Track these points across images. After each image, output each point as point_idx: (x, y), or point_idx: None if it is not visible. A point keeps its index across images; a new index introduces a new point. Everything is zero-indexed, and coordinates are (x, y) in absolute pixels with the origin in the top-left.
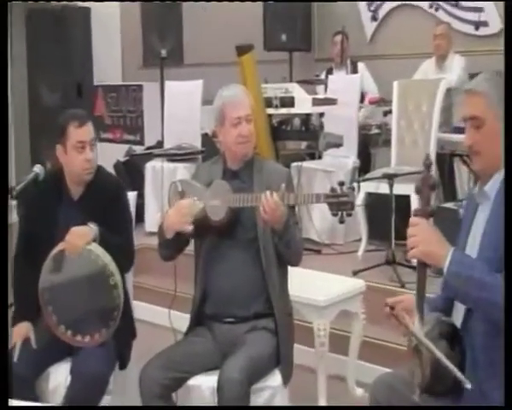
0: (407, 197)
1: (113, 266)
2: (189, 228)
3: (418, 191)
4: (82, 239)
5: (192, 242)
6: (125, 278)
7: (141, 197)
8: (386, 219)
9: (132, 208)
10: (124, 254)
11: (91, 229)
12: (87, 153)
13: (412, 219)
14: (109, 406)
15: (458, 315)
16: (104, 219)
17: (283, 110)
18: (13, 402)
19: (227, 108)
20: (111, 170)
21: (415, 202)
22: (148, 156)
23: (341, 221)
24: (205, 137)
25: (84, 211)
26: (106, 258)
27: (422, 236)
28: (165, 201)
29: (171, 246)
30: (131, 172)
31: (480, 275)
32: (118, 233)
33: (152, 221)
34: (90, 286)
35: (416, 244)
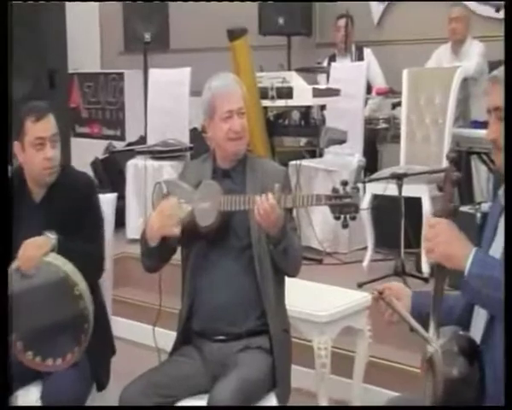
0: (418, 200)
1: (76, 276)
2: (177, 231)
3: (441, 188)
4: (37, 251)
5: (179, 250)
6: (100, 289)
7: (121, 199)
8: (395, 224)
9: (111, 212)
10: (90, 262)
11: (48, 238)
12: (47, 151)
13: (431, 220)
14: (109, 406)
15: (477, 329)
16: (69, 224)
17: (280, 102)
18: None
19: (217, 100)
20: (88, 168)
21: (426, 205)
22: (130, 153)
23: (344, 225)
24: (193, 131)
25: (46, 215)
26: (67, 267)
27: (443, 237)
28: (149, 204)
29: (156, 255)
30: (111, 171)
31: (501, 275)
32: (84, 238)
33: (134, 226)
34: (54, 301)
35: (436, 246)
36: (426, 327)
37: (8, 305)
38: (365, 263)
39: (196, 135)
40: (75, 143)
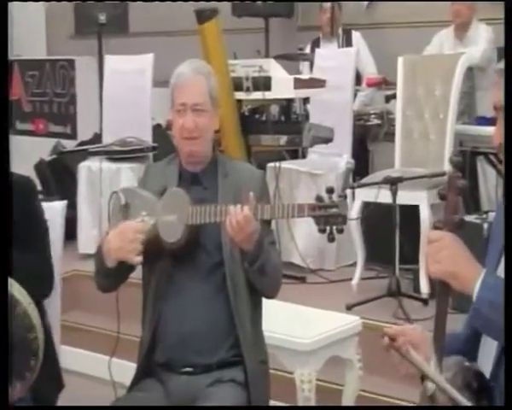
0: (415, 208)
1: (21, 296)
2: (137, 260)
3: (442, 196)
4: None
5: (139, 267)
6: (44, 311)
7: (72, 208)
8: (389, 236)
9: (60, 222)
10: (36, 277)
11: None
12: None
13: (432, 234)
14: (110, 406)
15: (486, 360)
16: None
17: (257, 94)
18: None
19: (175, 90)
20: (31, 172)
21: (425, 214)
22: (82, 154)
23: (331, 239)
24: (157, 128)
25: None
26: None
27: (447, 252)
28: (105, 213)
29: (112, 275)
30: (59, 174)
31: None
32: (26, 251)
33: (87, 240)
34: None
35: (439, 262)
36: None
37: (7, 305)
38: (355, 282)
39: (160, 132)
40: (16, 141)
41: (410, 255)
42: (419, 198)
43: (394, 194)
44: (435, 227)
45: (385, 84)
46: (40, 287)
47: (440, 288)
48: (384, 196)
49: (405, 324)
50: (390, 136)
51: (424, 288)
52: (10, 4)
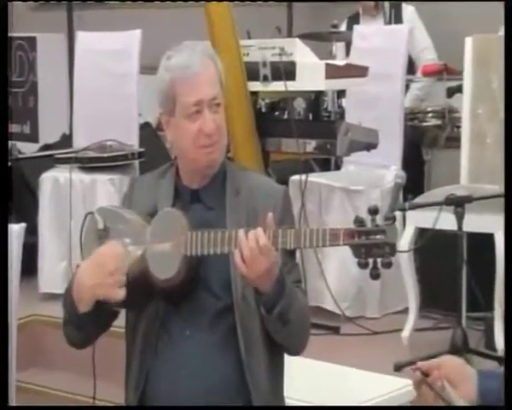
0: (489, 237)
1: None
2: (120, 295)
3: None
4: None
5: (122, 313)
6: None
7: (32, 233)
8: (453, 275)
9: (16, 252)
10: None
11: None
12: None
13: None
14: (114, 406)
15: None
16: None
17: (277, 85)
18: None
19: (178, 86)
20: None
21: (502, 246)
22: (46, 161)
23: (374, 276)
24: (145, 128)
25: None
26: None
27: None
28: (76, 241)
29: (87, 325)
30: (15, 188)
31: None
32: None
33: (51, 275)
34: None
35: None
36: None
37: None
38: (406, 334)
39: (149, 133)
40: None
41: (481, 300)
42: (494, 224)
43: (460, 218)
44: None
45: (447, 73)
46: None
47: None
48: (446, 220)
49: None
50: (454, 141)
51: (500, 343)
52: None
